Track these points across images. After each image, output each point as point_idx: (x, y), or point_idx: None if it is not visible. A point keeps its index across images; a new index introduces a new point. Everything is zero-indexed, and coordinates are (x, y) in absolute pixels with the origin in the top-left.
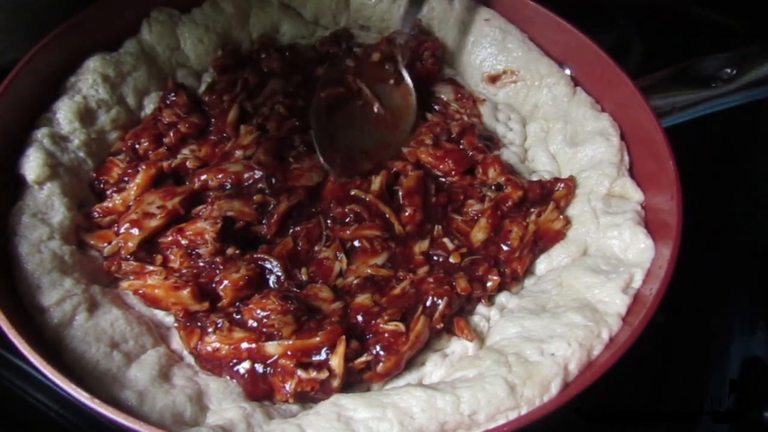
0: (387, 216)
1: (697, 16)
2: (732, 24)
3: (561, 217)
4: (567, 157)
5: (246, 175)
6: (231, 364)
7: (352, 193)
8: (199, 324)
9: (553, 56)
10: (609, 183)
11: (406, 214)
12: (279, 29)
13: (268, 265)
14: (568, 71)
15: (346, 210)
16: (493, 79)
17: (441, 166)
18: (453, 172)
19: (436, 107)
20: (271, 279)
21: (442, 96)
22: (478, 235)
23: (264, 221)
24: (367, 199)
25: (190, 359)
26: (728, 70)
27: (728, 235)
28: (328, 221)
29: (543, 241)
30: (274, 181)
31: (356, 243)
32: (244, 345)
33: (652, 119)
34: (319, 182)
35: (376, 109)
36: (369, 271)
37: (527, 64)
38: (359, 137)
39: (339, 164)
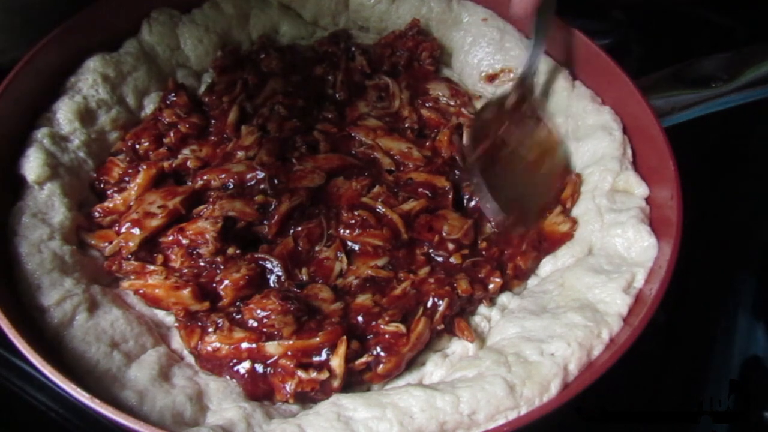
0: (396, 224)
1: (697, 16)
2: (732, 24)
3: (567, 219)
4: (570, 153)
5: (249, 176)
6: (231, 364)
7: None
8: (199, 324)
9: (552, 56)
10: (612, 178)
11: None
12: (279, 30)
13: (269, 265)
14: (567, 70)
15: (355, 214)
16: (491, 78)
17: None
18: None
19: (428, 104)
20: (272, 279)
21: (438, 93)
22: (488, 229)
23: (265, 221)
24: (383, 210)
25: (190, 359)
26: (728, 70)
27: (728, 235)
28: (332, 221)
29: (548, 242)
30: (276, 181)
31: (357, 246)
32: (245, 345)
33: (651, 119)
34: (320, 184)
35: (523, 154)
36: (369, 271)
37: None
38: (528, 186)
39: (513, 221)
